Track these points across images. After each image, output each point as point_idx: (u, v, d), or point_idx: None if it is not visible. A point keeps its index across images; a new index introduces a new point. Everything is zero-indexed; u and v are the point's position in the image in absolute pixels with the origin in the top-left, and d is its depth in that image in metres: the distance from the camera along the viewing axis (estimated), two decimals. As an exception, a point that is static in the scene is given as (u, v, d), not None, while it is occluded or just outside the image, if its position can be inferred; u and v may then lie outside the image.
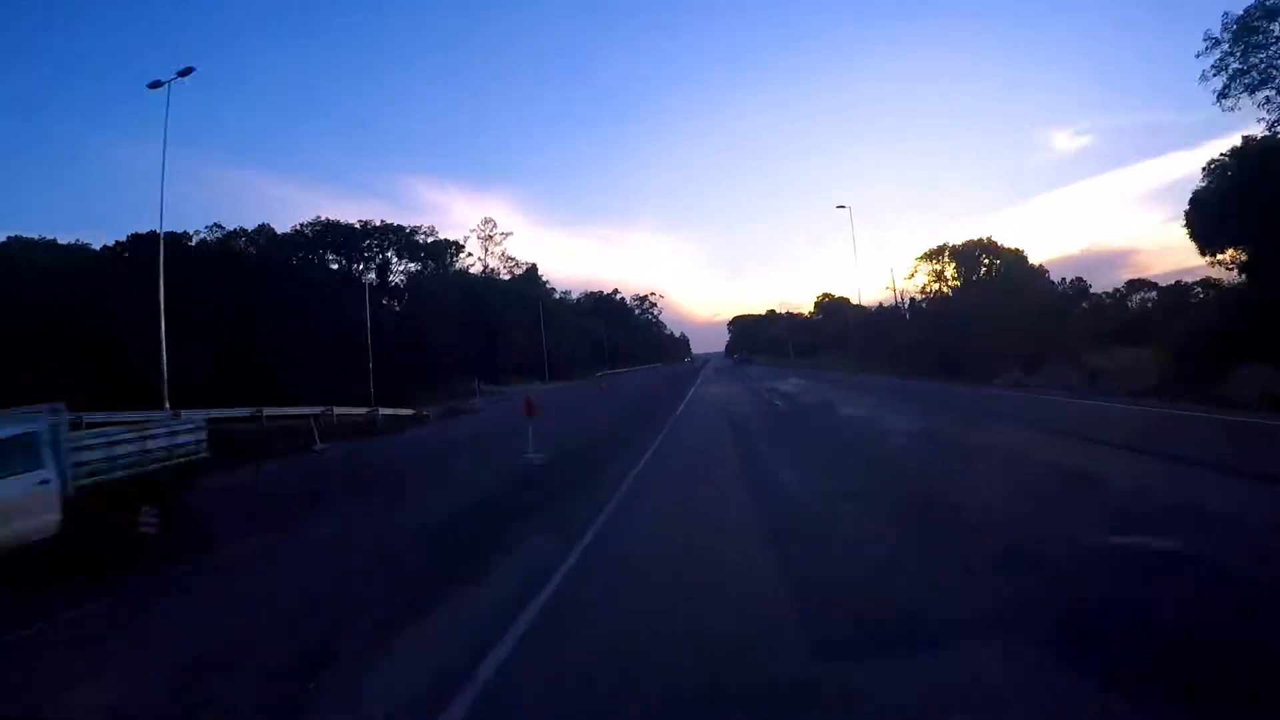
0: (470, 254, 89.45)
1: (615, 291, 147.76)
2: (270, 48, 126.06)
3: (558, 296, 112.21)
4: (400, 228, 66.29)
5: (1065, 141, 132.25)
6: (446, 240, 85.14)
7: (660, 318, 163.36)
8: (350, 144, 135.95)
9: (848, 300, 78.92)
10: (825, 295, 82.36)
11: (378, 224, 64.29)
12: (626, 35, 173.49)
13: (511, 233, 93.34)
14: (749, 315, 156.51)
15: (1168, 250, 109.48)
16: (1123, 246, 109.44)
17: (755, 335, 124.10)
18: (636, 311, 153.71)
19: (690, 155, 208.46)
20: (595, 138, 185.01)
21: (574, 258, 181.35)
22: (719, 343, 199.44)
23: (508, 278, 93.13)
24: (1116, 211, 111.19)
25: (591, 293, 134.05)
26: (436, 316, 56.23)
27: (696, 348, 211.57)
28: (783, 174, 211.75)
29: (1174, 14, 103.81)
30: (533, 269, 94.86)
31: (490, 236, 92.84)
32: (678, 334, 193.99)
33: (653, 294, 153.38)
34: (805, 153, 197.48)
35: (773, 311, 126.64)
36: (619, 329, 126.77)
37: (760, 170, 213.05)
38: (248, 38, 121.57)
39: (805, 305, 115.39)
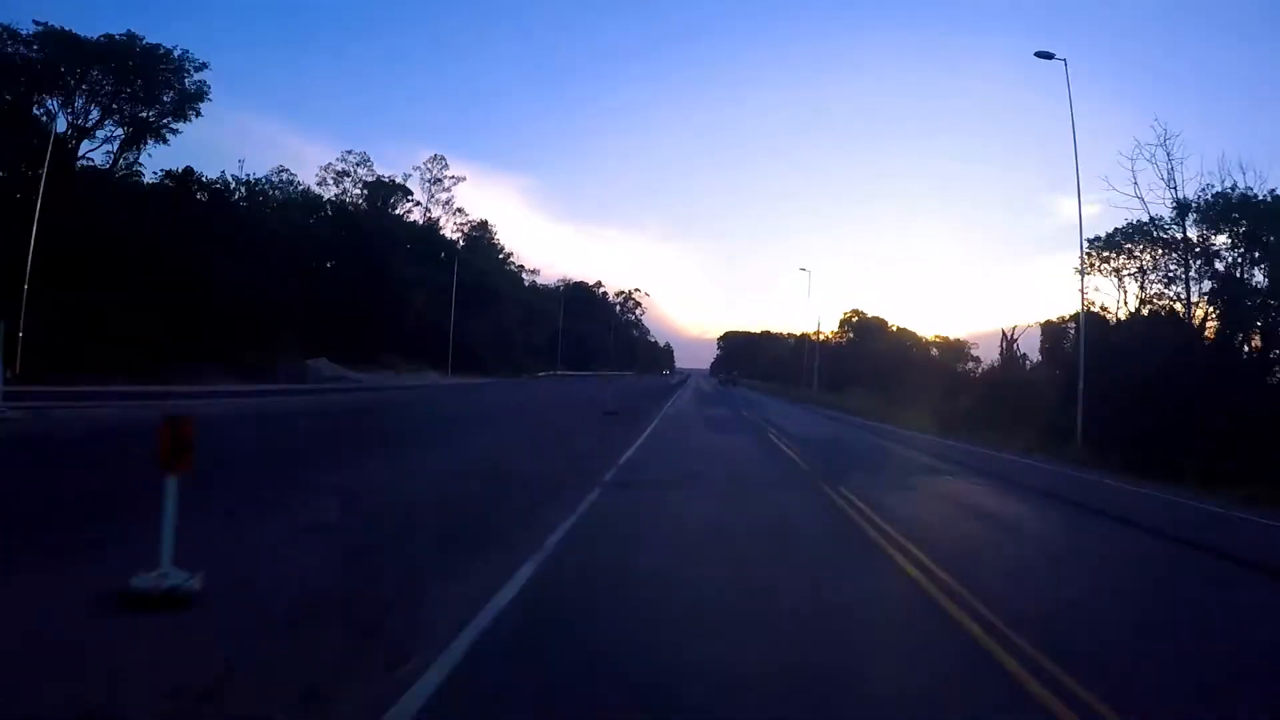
0: (418, 202, 68.35)
1: (598, 284, 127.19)
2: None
3: (527, 281, 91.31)
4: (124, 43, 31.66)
5: (1073, 209, 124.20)
6: (389, 181, 63.87)
7: (644, 321, 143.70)
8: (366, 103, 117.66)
9: (884, 322, 58.48)
10: (855, 313, 61.26)
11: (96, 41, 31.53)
12: (653, 41, 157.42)
13: (465, 178, 71.01)
14: (743, 332, 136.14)
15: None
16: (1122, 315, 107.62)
17: (753, 355, 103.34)
18: (618, 309, 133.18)
19: (703, 166, 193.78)
20: (611, 135, 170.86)
21: (576, 254, 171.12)
22: (707, 359, 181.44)
23: (455, 236, 72.11)
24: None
25: (568, 281, 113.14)
26: (253, 248, 34.82)
27: (683, 362, 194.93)
28: (786, 204, 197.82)
29: (1189, 93, 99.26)
30: (483, 225, 73.56)
31: (438, 179, 71.16)
32: (662, 343, 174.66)
33: (637, 291, 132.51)
34: (811, 184, 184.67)
35: (767, 333, 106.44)
36: (592, 325, 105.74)
37: (767, 193, 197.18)
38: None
39: (798, 327, 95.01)
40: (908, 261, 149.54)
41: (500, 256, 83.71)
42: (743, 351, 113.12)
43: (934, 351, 52.91)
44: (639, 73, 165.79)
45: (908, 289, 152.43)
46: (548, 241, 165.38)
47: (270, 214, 39.57)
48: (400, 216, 55.52)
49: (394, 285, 48.31)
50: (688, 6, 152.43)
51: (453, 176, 71.12)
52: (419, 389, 33.46)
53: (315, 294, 41.90)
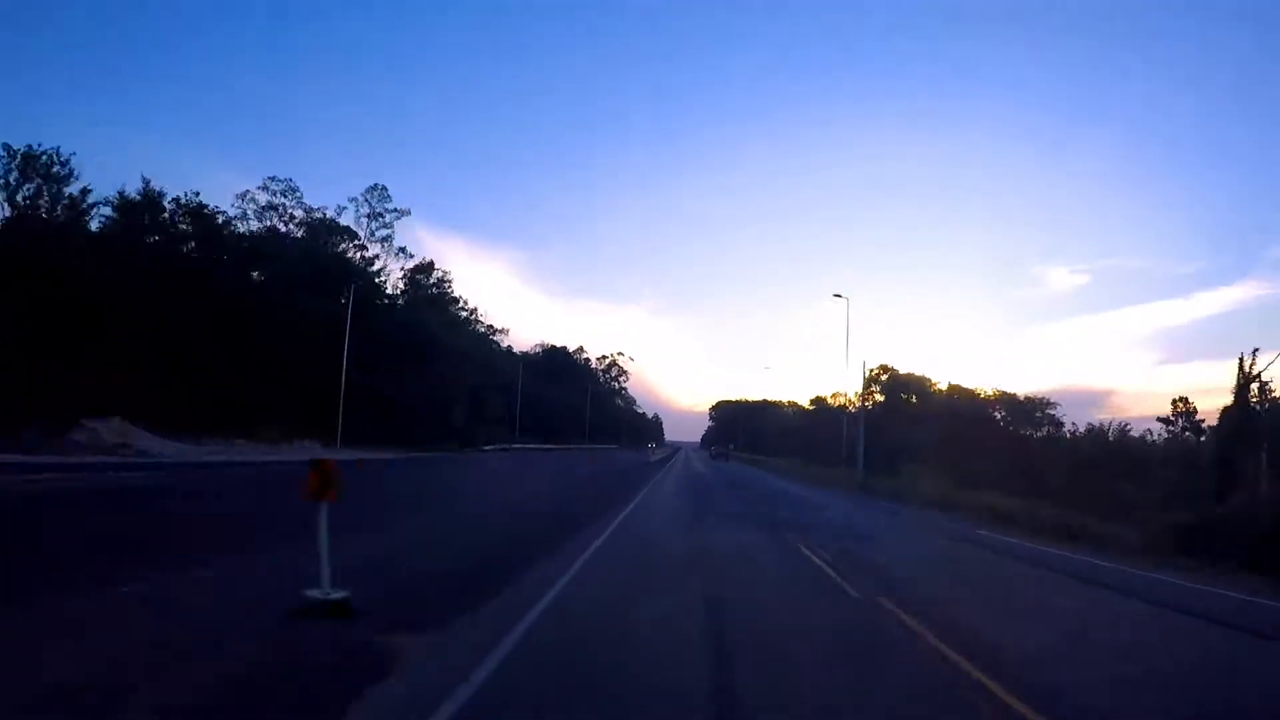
0: (363, 246, 56.72)
1: (579, 350, 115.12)
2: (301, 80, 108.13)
3: (504, 344, 79.53)
4: None
5: (1062, 279, 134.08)
6: (324, 218, 52.43)
7: (630, 390, 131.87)
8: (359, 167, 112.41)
9: (929, 380, 46.26)
10: (883, 369, 48.12)
11: None
12: (645, 118, 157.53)
13: (409, 211, 59.41)
14: (737, 401, 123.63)
15: (1145, 395, 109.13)
16: (1101, 387, 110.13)
17: (754, 427, 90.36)
18: (600, 377, 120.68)
19: (699, 237, 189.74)
20: (606, 208, 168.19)
21: (569, 329, 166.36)
22: (699, 432, 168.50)
23: (398, 290, 60.08)
24: (1103, 351, 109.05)
25: (546, 346, 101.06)
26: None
27: (674, 434, 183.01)
28: (780, 277, 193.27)
29: (1178, 165, 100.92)
30: (428, 267, 61.72)
31: (378, 214, 59.71)
32: (650, 415, 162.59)
33: (620, 355, 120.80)
34: (804, 256, 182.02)
35: (767, 401, 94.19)
36: (568, 392, 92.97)
37: (760, 268, 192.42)
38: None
39: (808, 392, 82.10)
40: (920, 325, 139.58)
41: (462, 313, 71.99)
42: (739, 423, 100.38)
43: (999, 413, 40.71)
44: (636, 141, 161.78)
45: (927, 349, 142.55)
46: (541, 316, 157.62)
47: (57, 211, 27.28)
48: (284, 232, 43.32)
49: (273, 326, 35.90)
50: (682, 83, 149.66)
51: (395, 210, 59.89)
52: (214, 470, 20.37)
53: (128, 327, 29.13)
